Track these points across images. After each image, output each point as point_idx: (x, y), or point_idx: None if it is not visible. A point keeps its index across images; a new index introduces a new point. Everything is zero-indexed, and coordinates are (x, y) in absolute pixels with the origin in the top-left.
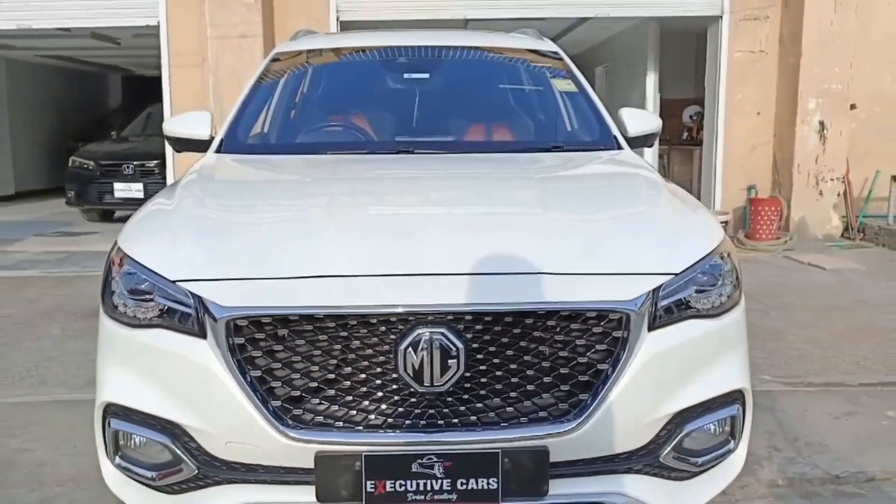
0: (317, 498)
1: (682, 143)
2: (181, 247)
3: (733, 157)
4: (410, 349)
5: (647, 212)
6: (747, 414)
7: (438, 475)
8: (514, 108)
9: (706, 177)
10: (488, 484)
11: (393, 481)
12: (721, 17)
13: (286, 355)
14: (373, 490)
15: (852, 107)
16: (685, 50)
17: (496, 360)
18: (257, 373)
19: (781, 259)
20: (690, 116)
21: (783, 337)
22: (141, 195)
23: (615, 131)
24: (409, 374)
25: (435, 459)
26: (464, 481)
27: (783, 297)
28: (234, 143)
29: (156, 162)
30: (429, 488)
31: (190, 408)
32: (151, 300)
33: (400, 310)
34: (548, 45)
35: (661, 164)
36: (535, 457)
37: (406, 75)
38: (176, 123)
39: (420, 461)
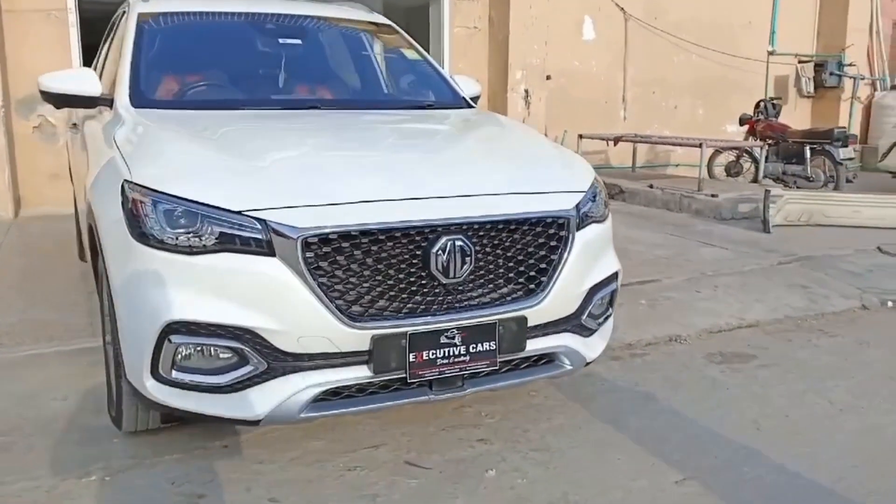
0: (373, 371)
1: None
2: (230, 184)
3: None
4: (440, 251)
5: (550, 152)
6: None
7: (458, 343)
8: (367, 70)
9: None
10: (489, 346)
11: (427, 351)
12: None
13: (347, 264)
14: (414, 360)
15: (548, 77)
16: (412, 24)
17: (491, 258)
18: (325, 279)
19: None
20: None
21: None
22: None
23: (463, 93)
24: (438, 270)
25: (455, 332)
26: (474, 346)
27: None
28: (144, 99)
29: None
30: (451, 354)
31: (261, 314)
32: (200, 230)
33: (432, 223)
34: (384, 20)
35: None
36: (519, 323)
37: (280, 40)
38: (59, 80)
39: (446, 334)
